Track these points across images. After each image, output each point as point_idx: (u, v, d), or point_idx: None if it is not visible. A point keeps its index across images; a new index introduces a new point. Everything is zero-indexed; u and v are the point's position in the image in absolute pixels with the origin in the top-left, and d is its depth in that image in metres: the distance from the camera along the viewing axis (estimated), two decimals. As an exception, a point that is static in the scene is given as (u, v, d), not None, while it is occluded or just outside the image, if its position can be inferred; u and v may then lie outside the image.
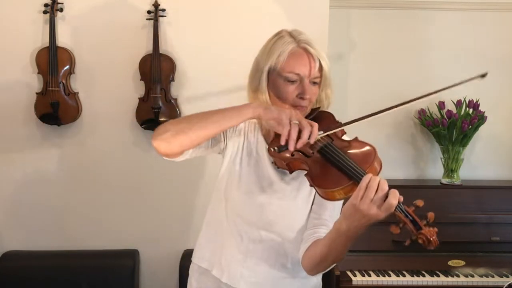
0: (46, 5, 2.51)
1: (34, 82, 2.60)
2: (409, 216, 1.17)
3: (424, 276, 2.47)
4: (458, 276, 2.49)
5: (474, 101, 2.84)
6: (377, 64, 2.99)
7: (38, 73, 2.56)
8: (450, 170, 2.85)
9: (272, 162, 1.43)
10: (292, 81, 1.41)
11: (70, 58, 2.55)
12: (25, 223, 2.68)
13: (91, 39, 2.60)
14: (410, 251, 2.56)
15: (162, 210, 2.69)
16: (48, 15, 2.51)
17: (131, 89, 2.63)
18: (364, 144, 1.33)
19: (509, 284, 2.34)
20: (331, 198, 1.27)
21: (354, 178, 1.23)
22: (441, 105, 2.86)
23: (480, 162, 3.06)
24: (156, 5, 2.56)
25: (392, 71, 2.99)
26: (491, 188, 2.78)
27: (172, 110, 2.60)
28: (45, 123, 2.58)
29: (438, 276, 2.48)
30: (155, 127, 2.53)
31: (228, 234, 1.53)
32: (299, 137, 1.27)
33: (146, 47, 2.60)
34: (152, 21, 2.55)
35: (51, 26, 2.51)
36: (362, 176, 1.20)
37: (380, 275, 2.47)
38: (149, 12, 2.56)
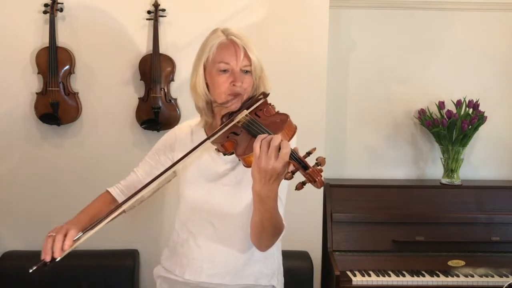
0: (46, 5, 2.51)
1: (34, 82, 2.59)
2: (301, 162, 1.25)
3: (424, 276, 2.47)
4: (458, 276, 2.49)
5: (474, 101, 2.84)
6: (377, 64, 3.00)
7: (38, 73, 2.56)
8: (450, 170, 2.85)
9: (216, 149, 1.51)
10: (224, 71, 1.52)
11: (70, 58, 2.55)
12: (25, 223, 2.68)
13: (91, 39, 2.59)
14: (410, 251, 2.57)
15: (162, 210, 2.69)
16: (48, 15, 2.51)
17: (131, 89, 2.63)
18: (281, 114, 1.45)
19: (509, 284, 2.34)
20: (249, 164, 1.34)
21: None
22: (441, 105, 2.86)
23: (480, 162, 3.06)
24: (156, 5, 2.56)
25: (392, 71, 2.99)
26: (491, 188, 2.79)
27: (172, 110, 2.60)
28: (45, 123, 2.58)
29: (438, 276, 2.48)
30: (155, 127, 2.58)
31: (183, 236, 1.63)
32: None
33: (146, 47, 2.60)
34: (152, 21, 2.56)
35: (51, 26, 2.51)
36: None
37: (380, 275, 2.47)
38: (149, 12, 2.56)
